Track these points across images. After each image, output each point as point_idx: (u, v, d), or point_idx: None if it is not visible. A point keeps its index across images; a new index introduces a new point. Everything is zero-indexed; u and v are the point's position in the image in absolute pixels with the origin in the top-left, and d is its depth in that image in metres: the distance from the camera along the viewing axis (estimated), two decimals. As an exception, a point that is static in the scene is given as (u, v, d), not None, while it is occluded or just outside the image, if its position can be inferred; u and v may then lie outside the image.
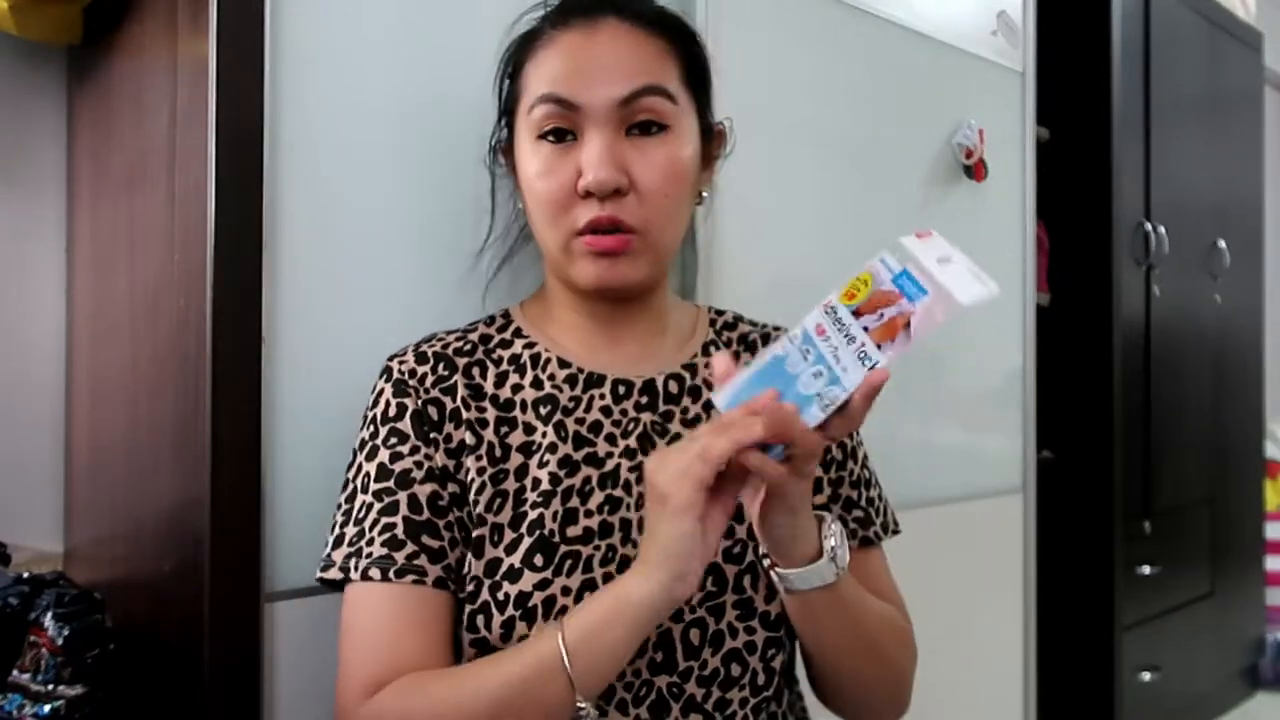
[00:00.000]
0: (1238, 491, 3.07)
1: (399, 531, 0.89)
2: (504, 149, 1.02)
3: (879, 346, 0.79)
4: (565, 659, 0.80)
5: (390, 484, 0.90)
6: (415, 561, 0.88)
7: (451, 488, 0.92)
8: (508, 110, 0.99)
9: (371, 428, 0.93)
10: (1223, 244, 2.86)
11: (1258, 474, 3.23)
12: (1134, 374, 2.50)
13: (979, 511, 1.82)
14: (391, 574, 0.87)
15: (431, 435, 0.92)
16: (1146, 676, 2.49)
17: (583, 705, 0.81)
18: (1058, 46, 2.23)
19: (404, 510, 0.89)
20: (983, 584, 1.85)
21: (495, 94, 1.01)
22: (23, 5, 1.13)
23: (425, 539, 0.89)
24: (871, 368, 0.79)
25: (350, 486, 0.93)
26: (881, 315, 0.80)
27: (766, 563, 0.88)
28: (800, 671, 1.02)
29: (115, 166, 1.17)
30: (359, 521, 0.90)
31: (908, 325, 0.79)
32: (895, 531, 1.07)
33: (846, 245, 1.59)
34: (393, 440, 0.92)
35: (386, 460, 0.91)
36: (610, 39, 0.92)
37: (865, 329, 0.80)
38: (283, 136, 1.01)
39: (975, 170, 1.77)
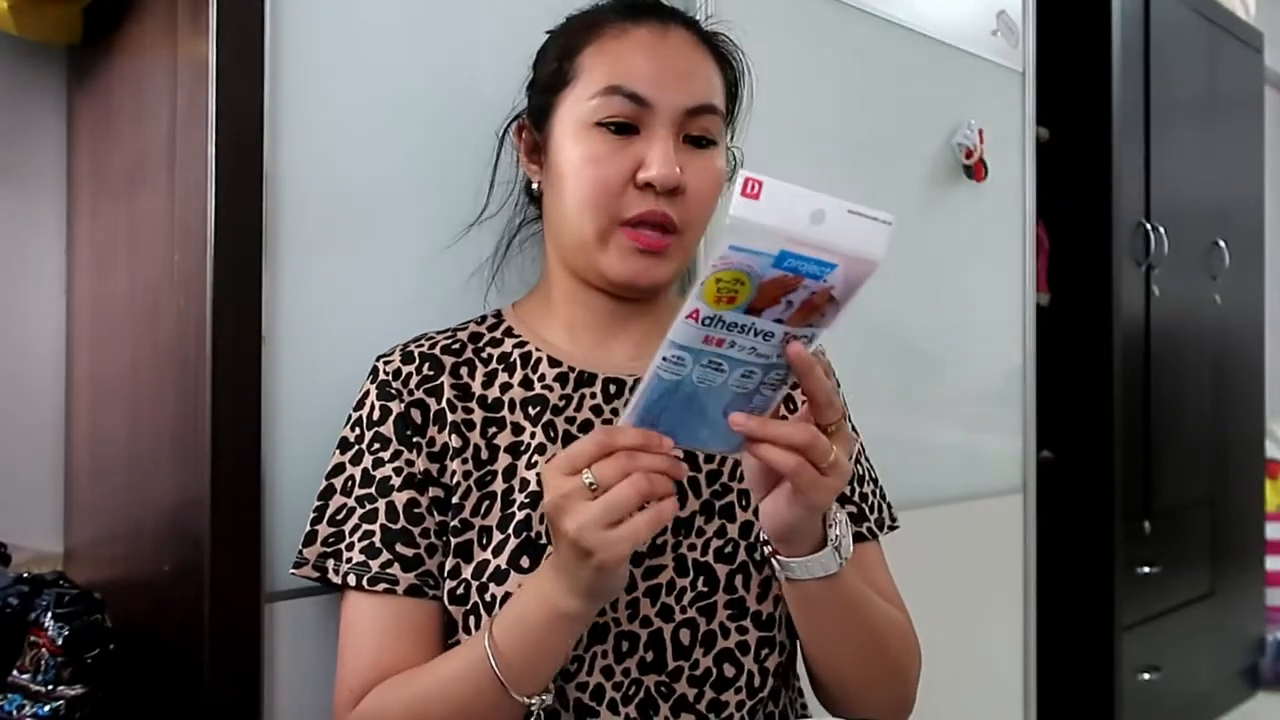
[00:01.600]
0: (1238, 491, 3.07)
1: (376, 540, 0.90)
2: (521, 127, 1.01)
3: (809, 326, 0.70)
4: (494, 666, 0.81)
5: (371, 491, 0.92)
6: (388, 570, 0.90)
7: (434, 492, 0.92)
8: (547, 91, 0.97)
9: (356, 430, 0.94)
10: (1223, 244, 2.86)
11: (1258, 474, 3.23)
12: (1134, 374, 2.50)
13: (979, 511, 1.82)
14: (365, 582, 0.90)
15: (414, 439, 0.93)
16: (1146, 676, 2.49)
17: (530, 700, 0.82)
18: (1058, 46, 2.23)
19: (381, 518, 0.91)
20: (983, 584, 1.85)
21: (530, 73, 1.01)
22: (23, 5, 1.13)
23: (399, 547, 0.90)
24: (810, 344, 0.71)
25: (328, 484, 0.94)
26: (790, 303, 0.68)
27: (768, 550, 0.88)
28: (802, 668, 1.02)
29: (115, 166, 1.17)
30: (336, 523, 0.92)
31: (831, 299, 0.68)
32: (893, 527, 1.07)
33: (846, 245, 1.59)
34: (375, 446, 0.93)
35: (369, 466, 0.92)
36: (681, 47, 0.94)
37: (779, 320, 0.69)
38: (283, 136, 1.01)
39: (975, 170, 1.77)
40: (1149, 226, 2.54)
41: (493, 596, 0.88)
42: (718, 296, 0.67)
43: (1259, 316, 3.17)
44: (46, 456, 1.27)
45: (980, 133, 1.76)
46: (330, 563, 0.91)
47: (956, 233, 1.78)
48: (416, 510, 0.91)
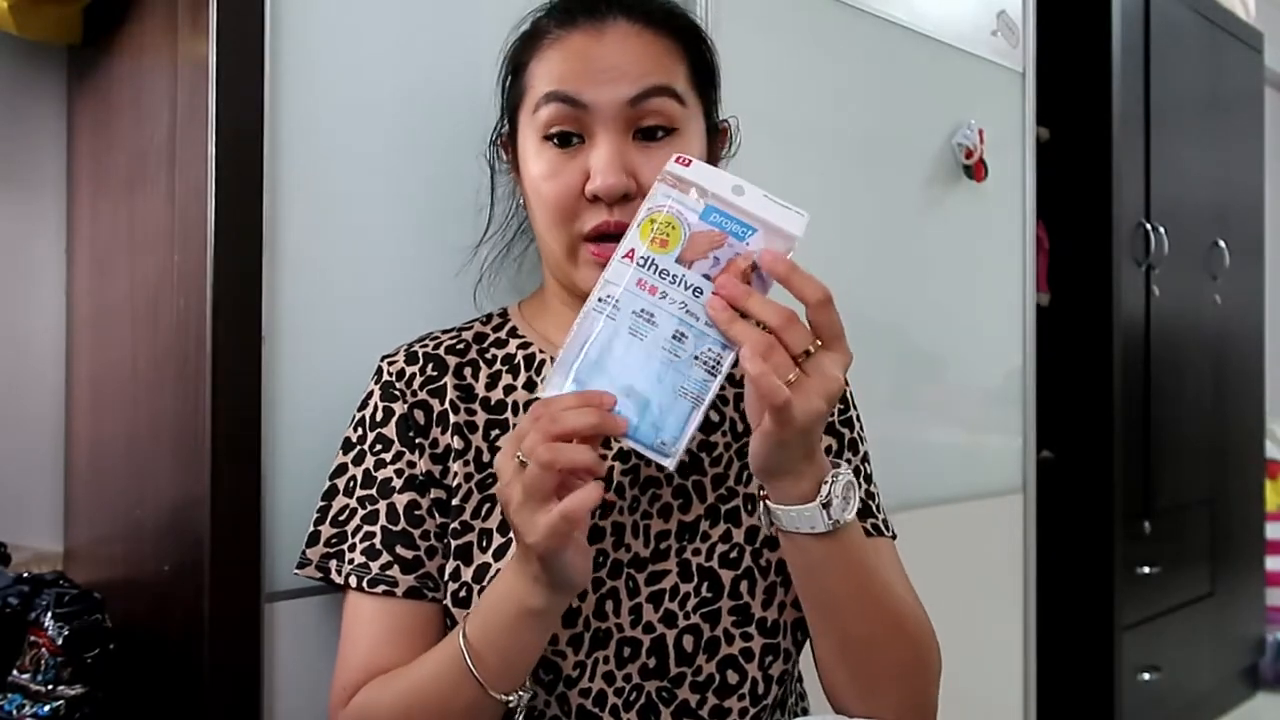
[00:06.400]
0: (1238, 491, 3.07)
1: (376, 541, 0.90)
2: (504, 143, 1.01)
3: None
4: (470, 663, 0.80)
5: (373, 492, 0.92)
6: (388, 572, 0.90)
7: (435, 493, 0.92)
8: (510, 106, 0.97)
9: (360, 430, 0.94)
10: (1223, 244, 2.86)
11: (1258, 474, 3.23)
12: (1134, 374, 2.50)
13: (979, 511, 1.82)
14: (365, 583, 0.90)
15: (416, 440, 0.92)
16: (1146, 676, 2.49)
17: (509, 697, 0.81)
18: (1058, 46, 2.23)
19: (382, 519, 0.91)
20: (983, 584, 1.85)
21: (498, 89, 1.00)
22: (23, 5, 1.13)
23: (400, 549, 0.90)
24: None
25: (331, 485, 0.94)
26: (716, 260, 0.73)
27: (761, 492, 0.82)
28: (809, 684, 1.02)
29: (115, 166, 1.17)
30: (339, 524, 0.92)
31: (755, 269, 0.72)
32: (893, 536, 1.06)
33: (846, 245, 1.59)
34: (378, 447, 0.93)
35: (371, 467, 0.92)
36: (619, 40, 0.91)
37: (707, 277, 0.73)
38: (283, 136, 1.01)
39: (975, 170, 1.77)
40: (1149, 226, 2.54)
41: None
42: (652, 238, 0.74)
43: (1259, 316, 3.17)
44: (46, 456, 1.27)
45: (980, 133, 1.76)
46: (333, 563, 0.91)
47: (956, 233, 1.78)
48: (417, 512, 0.91)
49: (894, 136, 1.66)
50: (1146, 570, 2.52)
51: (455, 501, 0.92)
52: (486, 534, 0.91)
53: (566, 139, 0.90)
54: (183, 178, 1.00)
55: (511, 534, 0.89)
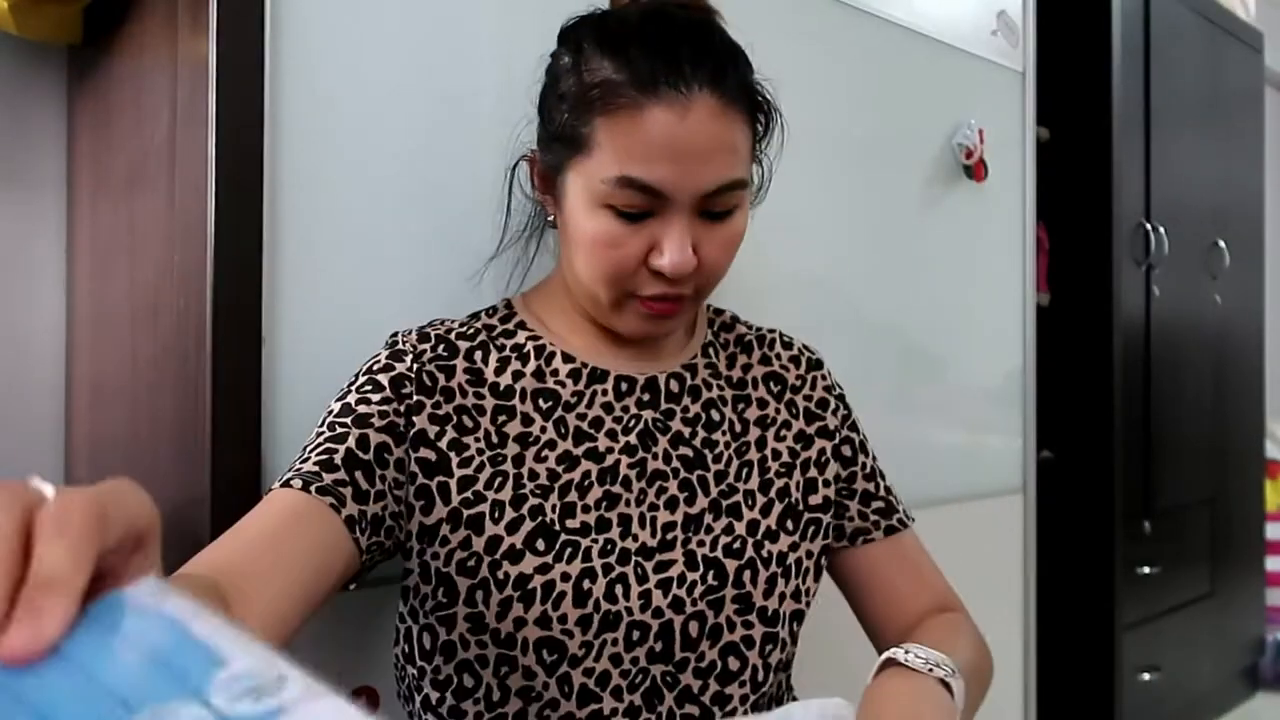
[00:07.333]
0: (1238, 491, 3.07)
1: (337, 458, 0.85)
2: (532, 160, 0.99)
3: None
4: None
5: (347, 420, 0.88)
6: (341, 489, 0.84)
7: (424, 452, 0.90)
8: (559, 140, 0.92)
9: (355, 379, 0.92)
10: (1223, 244, 2.86)
11: (1258, 474, 3.23)
12: (1134, 374, 2.50)
13: (979, 511, 1.82)
14: (313, 489, 0.82)
15: (416, 397, 0.90)
16: (1146, 676, 2.49)
17: None
18: (1058, 46, 2.23)
19: (350, 442, 0.86)
20: (983, 584, 1.85)
21: (539, 106, 0.96)
22: (23, 5, 1.13)
23: (358, 475, 0.86)
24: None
25: (316, 431, 0.90)
26: None
27: None
28: (803, 690, 1.02)
29: (115, 166, 1.17)
30: (303, 449, 0.88)
31: None
32: (911, 519, 1.09)
33: (846, 246, 1.59)
34: (367, 388, 0.90)
35: (353, 402, 0.89)
36: (702, 122, 0.87)
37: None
38: (283, 136, 1.01)
39: (975, 170, 1.77)
40: (1149, 226, 2.54)
41: (505, 574, 0.88)
42: None
43: (1259, 316, 3.17)
44: (46, 456, 1.27)
45: (980, 133, 1.76)
46: (281, 478, 0.84)
47: (956, 233, 1.78)
48: (387, 455, 0.88)
49: (894, 136, 1.66)
50: (1146, 570, 2.52)
51: (469, 471, 0.90)
52: (499, 506, 0.90)
53: (633, 215, 0.88)
54: (183, 178, 1.00)
55: (525, 509, 0.90)
